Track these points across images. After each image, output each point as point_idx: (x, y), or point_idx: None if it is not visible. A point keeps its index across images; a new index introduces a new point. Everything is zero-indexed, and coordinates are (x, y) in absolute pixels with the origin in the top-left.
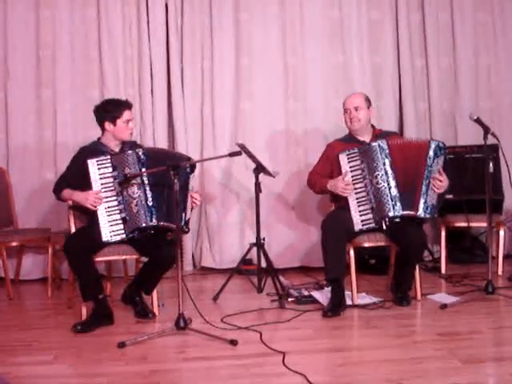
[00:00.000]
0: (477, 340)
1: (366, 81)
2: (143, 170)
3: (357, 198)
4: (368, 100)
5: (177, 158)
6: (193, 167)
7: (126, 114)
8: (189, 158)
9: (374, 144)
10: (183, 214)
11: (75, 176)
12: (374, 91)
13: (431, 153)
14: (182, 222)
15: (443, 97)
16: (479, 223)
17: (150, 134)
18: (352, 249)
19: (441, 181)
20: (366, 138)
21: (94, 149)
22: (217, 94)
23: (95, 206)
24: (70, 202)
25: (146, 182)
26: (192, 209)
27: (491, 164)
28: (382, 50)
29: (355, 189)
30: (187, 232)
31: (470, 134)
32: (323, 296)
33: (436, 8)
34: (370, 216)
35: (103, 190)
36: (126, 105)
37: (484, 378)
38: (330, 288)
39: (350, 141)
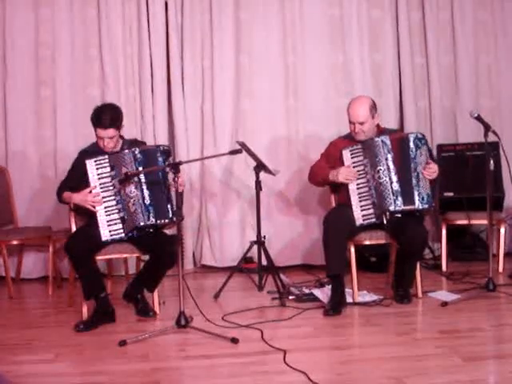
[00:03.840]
0: (478, 337)
1: (367, 79)
2: (140, 168)
3: (358, 193)
4: (373, 107)
5: (158, 151)
6: (167, 155)
7: (98, 132)
8: (166, 148)
9: (376, 139)
10: (169, 206)
11: (78, 180)
12: (374, 89)
13: (412, 145)
14: (170, 214)
15: (444, 95)
16: (480, 221)
17: (150, 133)
18: (353, 246)
19: (430, 168)
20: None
21: (93, 150)
22: (217, 92)
23: (94, 207)
24: (72, 205)
25: (143, 180)
26: (181, 195)
27: (492, 161)
28: (382, 48)
29: (357, 184)
30: (181, 220)
31: (470, 131)
32: (324, 294)
33: (436, 6)
34: (372, 211)
35: (101, 189)
36: (98, 124)
37: (485, 376)
38: (330, 286)
39: (353, 138)
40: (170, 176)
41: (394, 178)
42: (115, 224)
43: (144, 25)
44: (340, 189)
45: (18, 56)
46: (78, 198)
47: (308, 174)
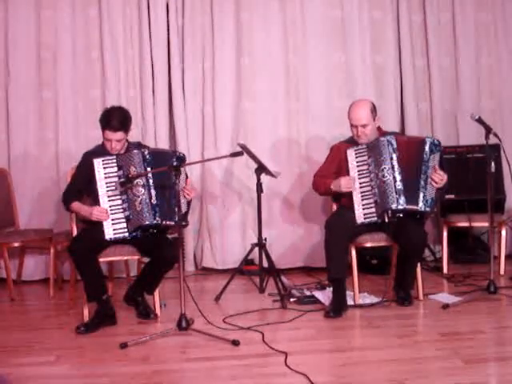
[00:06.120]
0: (479, 340)
1: (368, 80)
2: (148, 169)
3: (361, 192)
4: (373, 109)
5: (174, 156)
6: (181, 162)
7: (107, 134)
8: (182, 155)
9: (382, 139)
10: (176, 209)
11: (84, 182)
12: (375, 91)
13: (427, 149)
14: (176, 217)
15: (445, 97)
16: (481, 223)
17: (151, 135)
18: (354, 249)
19: (439, 174)
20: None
21: (98, 152)
22: (218, 94)
23: (98, 219)
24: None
25: (151, 181)
26: (189, 203)
27: (493, 164)
28: (383, 49)
29: (360, 183)
30: (185, 226)
31: (471, 133)
32: (325, 296)
33: (437, 8)
34: (373, 210)
35: (108, 189)
36: (107, 126)
37: (486, 378)
38: (331, 288)
39: (354, 143)
40: (182, 182)
41: (398, 177)
42: (119, 223)
43: (145, 26)
44: (342, 196)
45: (20, 58)
46: (86, 211)
47: (312, 183)
